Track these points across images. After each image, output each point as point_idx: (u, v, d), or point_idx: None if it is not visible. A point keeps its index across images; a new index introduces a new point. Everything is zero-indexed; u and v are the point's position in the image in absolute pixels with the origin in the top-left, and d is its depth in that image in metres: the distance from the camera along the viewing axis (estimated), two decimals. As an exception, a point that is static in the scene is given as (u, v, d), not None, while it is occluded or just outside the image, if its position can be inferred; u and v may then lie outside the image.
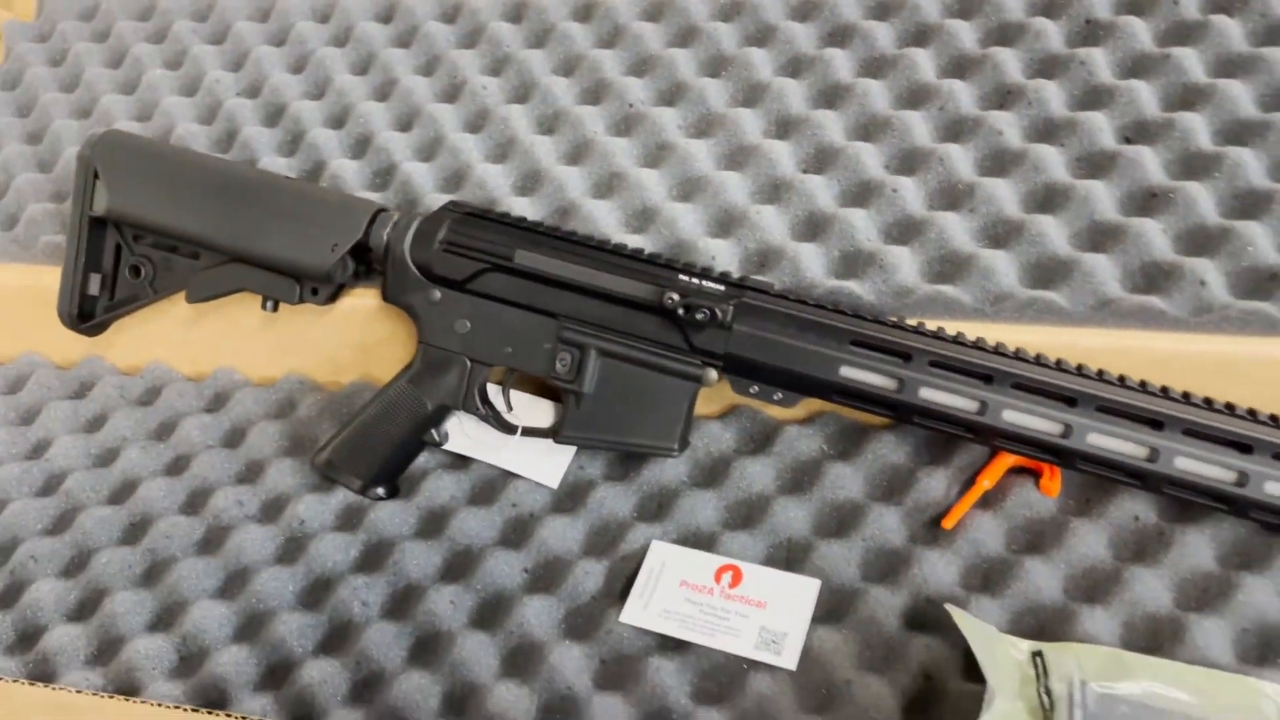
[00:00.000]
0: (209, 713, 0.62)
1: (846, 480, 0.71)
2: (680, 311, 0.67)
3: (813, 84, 0.82)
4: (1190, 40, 0.76)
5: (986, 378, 0.64)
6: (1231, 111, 0.73)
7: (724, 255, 0.75)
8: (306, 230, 0.75)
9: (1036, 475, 0.69)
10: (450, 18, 0.93)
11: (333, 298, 0.78)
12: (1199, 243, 0.68)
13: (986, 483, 0.68)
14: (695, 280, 0.69)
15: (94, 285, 0.82)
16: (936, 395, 0.65)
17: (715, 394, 0.76)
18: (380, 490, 0.76)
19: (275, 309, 0.79)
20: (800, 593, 0.66)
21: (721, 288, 0.68)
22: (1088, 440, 0.62)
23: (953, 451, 0.71)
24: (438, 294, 0.74)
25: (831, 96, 0.81)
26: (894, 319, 0.67)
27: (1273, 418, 0.61)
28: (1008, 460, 0.69)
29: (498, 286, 0.73)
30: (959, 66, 0.80)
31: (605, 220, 0.78)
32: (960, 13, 0.82)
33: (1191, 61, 0.75)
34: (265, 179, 0.78)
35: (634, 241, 0.76)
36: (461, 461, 0.78)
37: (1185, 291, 0.66)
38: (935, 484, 0.69)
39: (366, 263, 0.77)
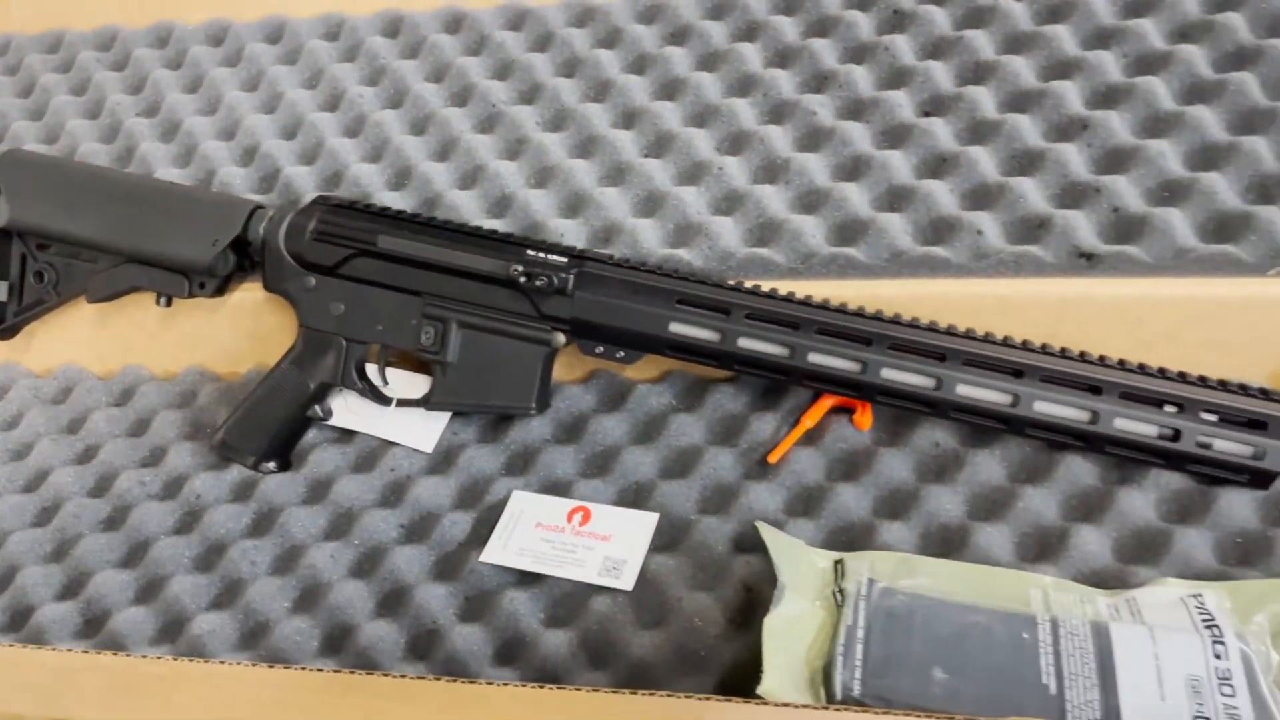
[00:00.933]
0: (113, 654, 0.69)
1: (689, 428, 0.79)
2: (523, 280, 0.75)
3: (654, 79, 0.90)
4: (981, 23, 0.86)
5: (794, 325, 0.72)
6: (1014, 83, 0.82)
7: (572, 233, 0.83)
8: (190, 229, 0.83)
9: (851, 412, 0.77)
10: (333, 35, 1.01)
11: (220, 290, 0.86)
12: (979, 198, 0.77)
13: (809, 422, 0.77)
14: (541, 254, 0.77)
15: (2, 292, 0.89)
16: (752, 344, 0.73)
17: (577, 362, 0.84)
18: (271, 464, 0.83)
19: (169, 304, 0.86)
20: (640, 525, 0.74)
21: (565, 259, 0.76)
22: (882, 375, 0.71)
23: (782, 398, 0.79)
24: (312, 280, 0.82)
25: (670, 89, 0.89)
26: (716, 280, 0.75)
27: (1043, 347, 0.70)
28: (828, 401, 0.77)
29: (365, 270, 0.81)
30: (781, 57, 0.89)
31: (468, 208, 0.86)
32: (785, 9, 0.92)
33: (982, 42, 0.84)
34: (152, 185, 0.86)
35: (493, 225, 0.84)
36: (346, 435, 0.85)
37: (965, 241, 0.75)
38: (765, 427, 0.77)
39: (247, 256, 0.84)
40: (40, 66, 1.07)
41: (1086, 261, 0.73)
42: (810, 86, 0.87)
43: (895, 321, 0.71)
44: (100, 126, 1.01)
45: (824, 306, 0.73)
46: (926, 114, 0.83)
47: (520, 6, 0.97)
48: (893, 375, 0.71)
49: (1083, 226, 0.74)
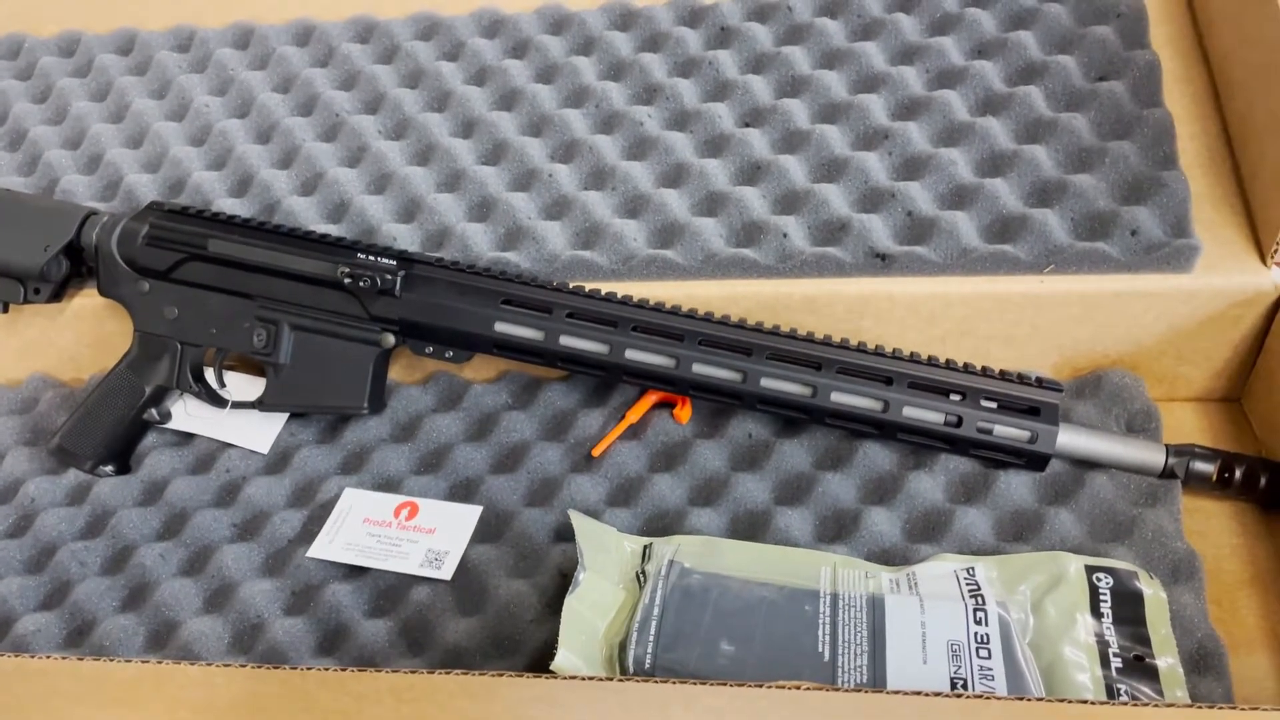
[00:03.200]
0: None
1: (520, 424, 0.82)
2: (348, 282, 0.78)
3: (493, 90, 0.94)
4: (797, 40, 0.91)
5: (613, 323, 0.76)
6: (826, 96, 0.87)
7: (405, 237, 0.85)
8: (22, 235, 0.83)
9: (673, 407, 0.81)
10: (184, 47, 1.02)
11: (55, 296, 0.86)
12: (787, 203, 0.82)
13: (633, 417, 0.80)
14: (370, 257, 0.79)
15: None
16: (574, 342, 0.76)
17: (417, 365, 0.87)
18: (108, 468, 0.83)
19: (4, 310, 0.87)
20: (464, 518, 0.76)
21: (393, 262, 0.79)
22: (694, 369, 0.75)
23: (610, 395, 0.82)
24: (146, 285, 0.83)
25: (509, 100, 0.93)
26: (541, 281, 0.78)
27: (842, 342, 0.74)
28: (652, 397, 0.81)
29: (197, 274, 0.82)
30: (613, 70, 0.93)
31: (305, 214, 0.88)
32: (620, 25, 0.96)
33: (797, 57, 0.90)
34: (-15, 192, 0.86)
35: (327, 231, 0.86)
36: (185, 437, 0.86)
37: (772, 243, 0.79)
38: (593, 422, 0.81)
39: (82, 261, 0.85)
40: (-115, 74, 1.06)
41: (881, 261, 0.78)
42: (640, 98, 0.91)
43: (705, 319, 0.75)
44: (-56, 135, 1.00)
45: (641, 305, 0.76)
46: (746, 125, 0.87)
47: (369, 20, 1.00)
48: (702, 370, 0.75)
49: (878, 229, 0.79)
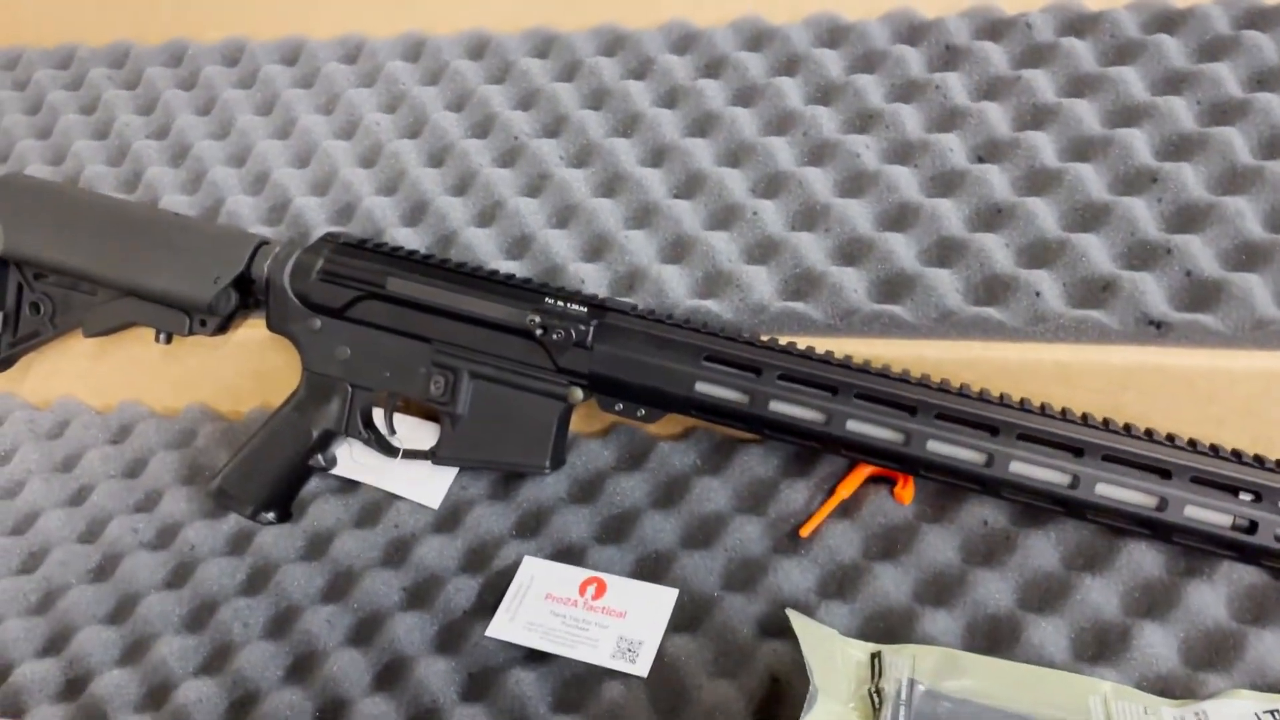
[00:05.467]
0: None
1: (714, 493, 0.73)
2: (539, 333, 0.70)
3: (686, 113, 0.85)
4: (1041, 63, 0.80)
5: (832, 389, 0.66)
6: (1077, 129, 0.76)
7: (593, 279, 0.77)
8: (191, 264, 0.78)
9: (892, 483, 0.71)
10: (351, 58, 0.97)
11: (222, 328, 0.81)
12: (1037, 255, 0.71)
13: (844, 492, 0.71)
14: (560, 303, 0.72)
15: (-2, 322, 0.85)
16: (786, 408, 0.67)
17: (596, 414, 0.79)
18: (270, 515, 0.78)
19: (168, 341, 0.82)
20: (658, 602, 0.68)
21: (584, 309, 0.71)
22: (928, 447, 0.65)
23: (815, 464, 0.73)
24: (318, 322, 0.77)
25: (703, 125, 0.84)
26: (747, 335, 0.69)
27: (1105, 422, 0.63)
28: (865, 471, 0.71)
29: (373, 313, 0.76)
30: (823, 93, 0.83)
31: (484, 248, 0.81)
32: (829, 43, 0.86)
33: (1041, 83, 0.78)
34: (153, 216, 0.82)
35: (510, 268, 0.79)
36: (349, 485, 0.80)
37: (1021, 302, 0.69)
38: (797, 495, 0.72)
39: (251, 294, 0.80)
40: (49, 83, 1.03)
41: (1156, 329, 0.66)
42: (854, 126, 0.81)
43: (943, 389, 0.65)
44: (108, 148, 0.97)
45: (865, 369, 0.67)
46: (980, 160, 0.77)
47: (547, 33, 0.92)
48: (939, 449, 0.65)
49: (1151, 290, 0.67)
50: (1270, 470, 0.61)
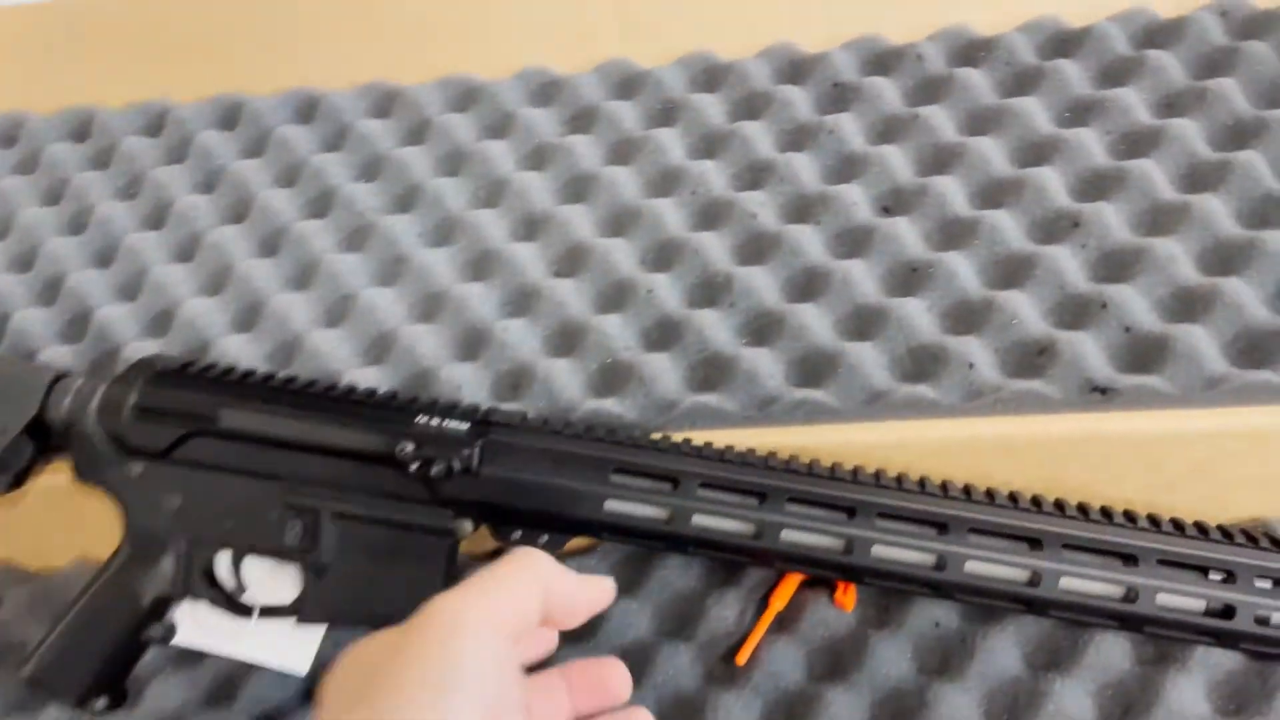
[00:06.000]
0: None
1: (633, 616, 0.64)
2: (415, 466, 0.59)
3: (557, 175, 0.75)
4: (934, 97, 0.73)
5: (760, 495, 0.58)
6: (984, 170, 0.70)
7: (471, 383, 0.66)
8: (-34, 413, 0.63)
9: (831, 586, 0.63)
10: (154, 129, 0.83)
11: (18, 483, 0.66)
12: (963, 318, 0.64)
13: (778, 603, 0.62)
14: (435, 421, 0.61)
15: None
16: (710, 521, 0.58)
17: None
18: (100, 702, 0.64)
19: (-52, 503, 0.67)
20: (584, 767, 0.58)
21: (465, 426, 0.60)
22: (873, 554, 0.57)
23: (742, 569, 0.64)
24: (138, 468, 0.63)
25: (578, 188, 0.74)
26: (659, 439, 0.60)
27: (1059, 505, 0.57)
28: (799, 576, 0.63)
29: (207, 452, 0.63)
30: (708, 145, 0.75)
31: (335, 354, 0.69)
32: (706, 85, 0.78)
33: (940, 120, 0.72)
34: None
35: (369, 377, 0.67)
36: (196, 656, 0.67)
37: (955, 376, 0.62)
38: (726, 611, 0.63)
39: (49, 438, 0.65)
40: None
41: (1101, 395, 0.60)
42: (746, 181, 0.73)
43: (881, 484, 0.58)
44: None
45: (794, 468, 0.58)
46: (886, 211, 0.70)
47: (386, 88, 0.81)
48: (885, 553, 0.57)
49: (1091, 352, 0.61)
50: (1240, 545, 0.56)
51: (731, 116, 0.76)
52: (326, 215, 0.75)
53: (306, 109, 0.81)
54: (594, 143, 0.76)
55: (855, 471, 0.59)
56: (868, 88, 0.74)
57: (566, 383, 0.65)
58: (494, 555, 0.67)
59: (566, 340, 0.67)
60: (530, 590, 0.45)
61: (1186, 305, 0.62)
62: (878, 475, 0.59)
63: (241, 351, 0.69)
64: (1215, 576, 0.56)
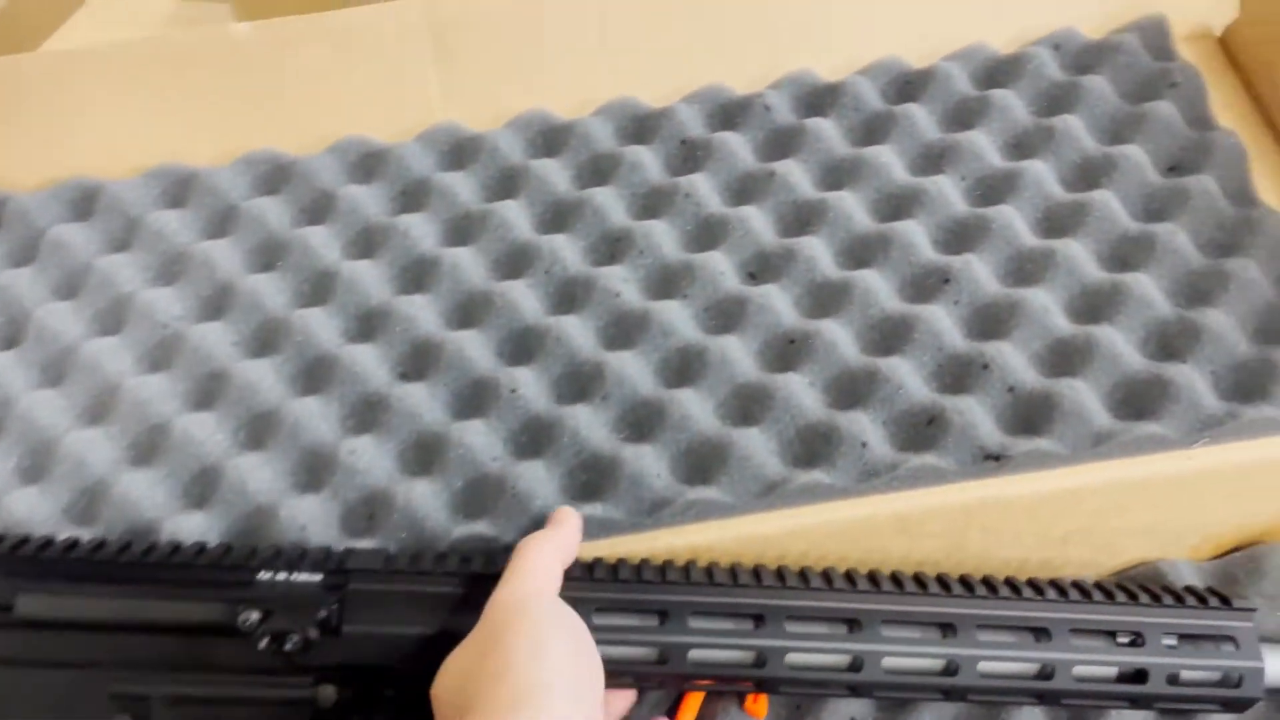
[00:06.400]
0: None
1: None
2: (263, 643, 0.50)
3: (392, 261, 0.67)
4: (788, 149, 0.70)
5: (661, 613, 0.53)
6: (848, 226, 0.67)
7: (318, 518, 0.58)
8: None
9: (741, 694, 0.59)
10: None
11: None
12: (848, 392, 0.61)
13: (687, 716, 0.58)
14: (281, 576, 0.52)
15: None
16: (611, 651, 0.52)
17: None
18: None
19: None
20: None
21: (318, 578, 0.52)
22: (786, 662, 0.53)
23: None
24: (-87, 672, 0.52)
25: (418, 274, 0.67)
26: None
27: (965, 583, 0.55)
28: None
29: (6, 647, 0.52)
30: (558, 217, 0.69)
31: (149, 498, 0.59)
32: (546, 149, 0.72)
33: (797, 177, 0.69)
34: None
35: (195, 522, 0.58)
36: None
37: (849, 456, 0.59)
38: (634, 730, 0.58)
39: None
40: None
41: (995, 462, 0.58)
42: (604, 255, 0.67)
43: (789, 586, 0.54)
44: None
45: (692, 579, 0.54)
46: (752, 278, 0.66)
47: (179, 172, 0.71)
48: (799, 660, 0.53)
49: (980, 417, 0.59)
50: (1144, 605, 0.55)
51: (579, 182, 0.70)
52: (121, 330, 0.65)
53: (83, 203, 0.70)
54: (429, 220, 0.69)
55: (758, 572, 0.55)
56: (718, 144, 0.70)
57: (429, 507, 0.58)
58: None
59: (424, 456, 0.60)
60: (553, 560, 0.50)
61: (1064, 358, 0.61)
62: (781, 573, 0.55)
63: (31, 510, 0.58)
64: (1124, 639, 0.55)
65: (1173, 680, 0.54)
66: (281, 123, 0.72)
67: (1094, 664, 0.54)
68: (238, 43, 0.73)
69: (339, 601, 0.51)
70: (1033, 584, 0.55)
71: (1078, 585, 0.56)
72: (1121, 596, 0.55)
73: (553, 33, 0.72)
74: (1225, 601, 0.56)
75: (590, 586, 0.53)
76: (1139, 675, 0.54)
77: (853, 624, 0.53)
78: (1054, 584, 0.55)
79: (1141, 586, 0.56)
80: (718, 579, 0.54)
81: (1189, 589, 0.56)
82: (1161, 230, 0.64)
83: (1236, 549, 0.63)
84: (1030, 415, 0.60)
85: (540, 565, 0.49)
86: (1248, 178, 0.67)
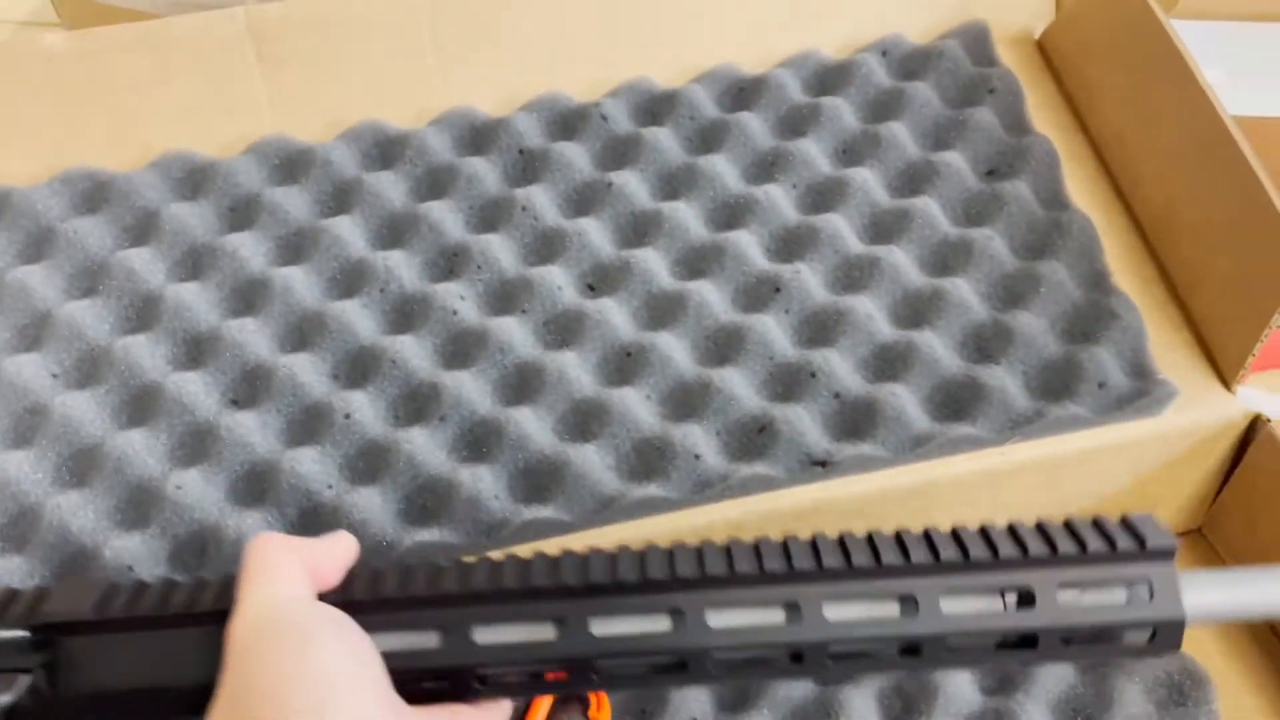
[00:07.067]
0: None
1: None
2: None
3: (219, 283, 0.65)
4: (623, 160, 0.71)
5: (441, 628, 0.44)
6: (684, 236, 0.68)
7: (143, 556, 0.56)
8: None
9: (584, 703, 0.60)
10: None
11: None
12: (682, 403, 0.62)
13: (536, 728, 0.59)
14: None
15: None
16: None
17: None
18: None
19: None
20: None
21: (24, 634, 0.44)
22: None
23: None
24: None
25: (247, 296, 0.65)
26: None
27: (843, 544, 0.47)
28: (544, 702, 0.59)
29: None
30: (393, 231, 0.68)
31: (-36, 545, 0.56)
32: (381, 162, 0.71)
33: (634, 187, 0.69)
34: None
35: (13, 565, 0.56)
36: None
37: (682, 469, 0.60)
38: (481, 749, 0.58)
39: None
40: None
41: (822, 468, 0.61)
42: (440, 270, 0.67)
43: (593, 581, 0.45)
44: None
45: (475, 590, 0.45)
46: (592, 290, 0.66)
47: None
48: (613, 663, 0.50)
49: (807, 425, 0.61)
50: (1034, 559, 0.46)
51: (415, 195, 0.70)
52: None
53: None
54: (259, 239, 0.67)
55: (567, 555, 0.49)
56: (556, 154, 0.70)
57: (136, 555, 0.57)
58: None
59: (255, 486, 0.59)
60: (285, 557, 0.41)
61: (887, 363, 0.64)
62: (586, 563, 0.46)
63: None
64: (1011, 597, 0.46)
65: (1068, 641, 0.47)
66: (100, 138, 0.69)
67: (970, 637, 0.46)
68: (52, 54, 0.69)
69: (48, 662, 0.43)
70: (900, 540, 0.48)
71: (957, 537, 0.48)
72: (1009, 548, 0.47)
73: (384, 40, 0.71)
74: (1140, 542, 0.47)
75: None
76: (1027, 640, 0.46)
77: (675, 613, 0.46)
78: (928, 538, 0.47)
79: (1040, 529, 0.48)
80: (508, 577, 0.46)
81: (1098, 525, 0.48)
82: (978, 235, 0.67)
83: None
84: (855, 421, 0.62)
85: (270, 565, 0.40)
86: (1060, 181, 0.70)
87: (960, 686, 0.58)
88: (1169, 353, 0.65)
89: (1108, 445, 0.63)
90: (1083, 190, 0.71)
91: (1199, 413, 0.64)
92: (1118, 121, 0.72)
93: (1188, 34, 0.77)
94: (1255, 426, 0.64)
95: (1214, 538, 0.70)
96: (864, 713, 0.58)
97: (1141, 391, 0.62)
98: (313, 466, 0.59)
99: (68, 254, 0.66)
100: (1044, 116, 0.75)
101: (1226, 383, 0.64)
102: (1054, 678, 0.59)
